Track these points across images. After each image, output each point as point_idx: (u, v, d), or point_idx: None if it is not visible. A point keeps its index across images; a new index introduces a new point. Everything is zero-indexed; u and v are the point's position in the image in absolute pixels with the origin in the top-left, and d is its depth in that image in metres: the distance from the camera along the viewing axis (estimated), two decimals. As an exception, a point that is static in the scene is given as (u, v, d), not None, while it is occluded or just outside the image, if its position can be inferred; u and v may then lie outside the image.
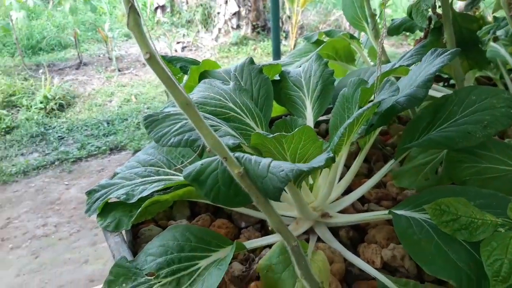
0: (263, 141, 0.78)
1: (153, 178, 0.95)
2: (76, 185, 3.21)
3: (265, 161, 0.62)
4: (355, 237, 0.97)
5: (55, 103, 4.34)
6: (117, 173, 1.03)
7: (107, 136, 3.88)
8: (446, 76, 1.60)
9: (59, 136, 3.89)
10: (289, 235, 0.63)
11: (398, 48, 6.50)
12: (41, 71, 5.12)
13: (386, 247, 0.90)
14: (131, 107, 4.45)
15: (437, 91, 1.35)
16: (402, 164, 1.13)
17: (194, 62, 1.16)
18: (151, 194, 0.90)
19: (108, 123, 4.10)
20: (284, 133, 0.75)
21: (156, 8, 7.22)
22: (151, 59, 0.60)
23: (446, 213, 0.70)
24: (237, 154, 0.64)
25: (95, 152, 3.62)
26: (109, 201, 0.94)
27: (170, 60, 1.17)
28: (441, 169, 1.06)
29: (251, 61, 1.11)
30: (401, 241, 0.74)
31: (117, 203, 0.93)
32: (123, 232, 0.94)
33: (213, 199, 0.65)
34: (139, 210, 0.87)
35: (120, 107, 4.46)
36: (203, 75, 1.09)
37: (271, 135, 0.75)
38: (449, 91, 1.33)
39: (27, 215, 2.91)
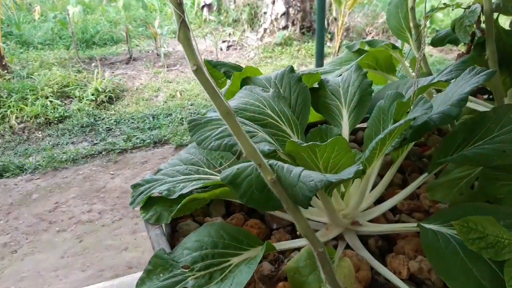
0: (297, 149, 0.82)
1: (193, 176, 1.02)
2: (121, 175, 3.36)
3: (296, 170, 0.66)
4: (384, 246, 0.99)
5: (105, 96, 4.54)
6: (161, 170, 1.10)
7: (151, 129, 4.03)
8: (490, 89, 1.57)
9: (107, 128, 4.08)
10: (315, 241, 0.67)
11: (447, 54, 6.31)
12: (93, 64, 5.37)
13: (414, 258, 0.92)
14: (175, 103, 4.59)
15: (479, 105, 1.34)
16: (437, 177, 1.14)
17: (237, 68, 1.21)
18: (191, 192, 0.97)
19: (153, 117, 4.25)
20: (317, 142, 0.78)
21: (203, 6, 7.37)
22: (198, 71, 0.65)
23: (473, 231, 0.71)
24: (270, 161, 0.69)
25: (139, 145, 3.77)
26: (152, 196, 1.01)
27: (215, 65, 1.23)
28: (477, 184, 1.06)
29: (291, 70, 1.15)
30: (426, 254, 0.76)
31: (159, 197, 1.00)
32: (163, 225, 1.01)
33: (247, 201, 0.70)
34: (179, 206, 0.94)
35: (165, 102, 4.61)
36: (244, 81, 1.14)
37: (305, 144, 0.79)
38: (490, 106, 1.31)
39: (74, 200, 3.08)
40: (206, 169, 1.03)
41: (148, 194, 0.99)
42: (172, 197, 0.94)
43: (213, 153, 1.06)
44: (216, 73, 1.24)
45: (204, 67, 0.66)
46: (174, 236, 1.01)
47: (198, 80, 0.67)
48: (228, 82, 1.18)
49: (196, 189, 0.97)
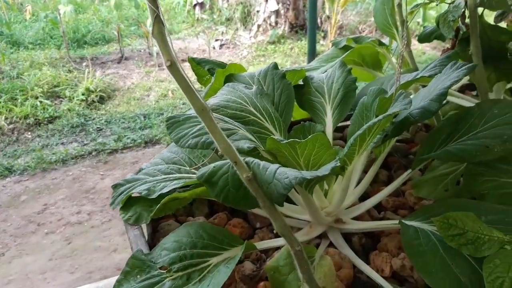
0: (278, 146, 0.81)
1: (175, 175, 1.00)
2: (111, 175, 3.33)
3: (272, 167, 0.65)
4: (368, 244, 0.98)
5: (96, 96, 4.51)
6: (142, 169, 1.08)
7: (143, 129, 4.00)
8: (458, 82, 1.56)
9: (97, 128, 4.05)
10: (292, 239, 0.65)
11: (439, 51, 6.32)
12: (84, 64, 5.33)
13: (397, 256, 0.90)
14: (167, 102, 4.56)
15: (466, 101, 1.33)
16: (423, 174, 1.13)
17: (221, 65, 1.20)
18: (171, 191, 0.95)
19: (144, 117, 4.23)
20: (297, 139, 0.77)
21: (195, 5, 7.34)
22: (172, 67, 0.64)
23: (453, 227, 0.70)
24: (247, 159, 0.68)
25: (130, 145, 3.75)
26: (132, 196, 0.99)
27: (199, 63, 1.21)
28: (462, 181, 1.05)
29: (275, 66, 1.14)
30: (405, 251, 0.75)
31: (139, 197, 0.98)
32: (145, 225, 0.99)
33: (223, 200, 0.69)
34: (158, 205, 0.92)
35: (157, 101, 4.59)
36: (228, 78, 1.13)
37: (285, 141, 0.77)
38: (477, 101, 1.30)
39: (63, 202, 3.05)
40: (188, 168, 1.02)
41: (128, 194, 0.97)
42: (152, 197, 0.92)
43: (195, 151, 1.05)
44: (201, 71, 1.22)
45: (179, 63, 0.65)
46: (155, 237, 0.99)
47: (172, 76, 0.65)
48: (213, 79, 1.16)
49: (177, 188, 0.95)
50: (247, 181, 0.65)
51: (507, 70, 1.13)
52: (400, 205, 1.10)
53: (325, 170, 0.65)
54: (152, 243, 0.98)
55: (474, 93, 1.61)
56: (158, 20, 0.64)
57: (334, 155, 0.80)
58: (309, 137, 0.77)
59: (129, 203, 0.98)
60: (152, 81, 5.08)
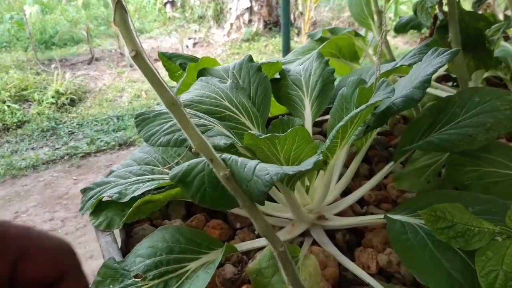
0: (256, 141, 0.77)
1: (148, 177, 0.94)
2: (84, 180, 3.23)
3: (251, 163, 0.60)
4: (352, 240, 0.95)
5: (67, 98, 4.37)
6: (113, 171, 1.02)
7: (116, 131, 3.89)
8: (455, 75, 1.56)
9: (69, 131, 3.92)
10: (275, 240, 0.61)
11: (412, 45, 6.40)
12: (53, 65, 5.16)
13: (382, 251, 0.87)
14: (141, 102, 4.46)
15: (444, 91, 1.32)
16: (404, 166, 1.11)
17: (194, 59, 1.15)
18: (144, 193, 0.89)
19: (118, 119, 4.12)
20: (276, 134, 0.73)
21: (166, 3, 7.22)
22: (137, 57, 0.59)
23: (441, 220, 0.68)
24: (224, 155, 0.63)
25: (104, 147, 3.64)
26: (102, 200, 0.93)
27: (170, 57, 1.16)
28: (444, 171, 1.03)
29: (250, 59, 1.09)
30: (393, 246, 0.71)
31: (110, 202, 0.92)
32: (118, 231, 0.93)
33: (199, 201, 0.64)
34: (130, 209, 0.86)
35: (130, 102, 4.48)
36: (201, 73, 1.08)
37: (264, 136, 0.73)
38: (455, 92, 1.29)
39: (35, 209, 2.93)
40: (162, 168, 0.96)
41: (98, 198, 0.91)
42: (123, 201, 0.86)
43: (169, 150, 0.99)
44: (172, 66, 1.17)
45: (144, 53, 0.59)
46: (129, 242, 0.93)
47: (138, 67, 0.60)
48: (185, 74, 1.10)
49: (150, 190, 0.90)
50: (225, 179, 0.60)
51: (485, 57, 1.12)
52: (383, 199, 1.07)
53: (307, 164, 0.61)
54: (126, 249, 0.92)
55: (450, 84, 1.61)
56: (120, 6, 0.58)
57: (315, 149, 0.76)
58: (289, 130, 0.73)
59: (99, 208, 0.92)
60: (125, 82, 4.96)
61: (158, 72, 0.60)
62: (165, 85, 0.60)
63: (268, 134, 0.72)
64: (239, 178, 0.59)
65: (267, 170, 0.57)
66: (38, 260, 0.39)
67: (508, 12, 1.33)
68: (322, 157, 0.64)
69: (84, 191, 0.97)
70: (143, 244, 0.78)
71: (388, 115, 0.77)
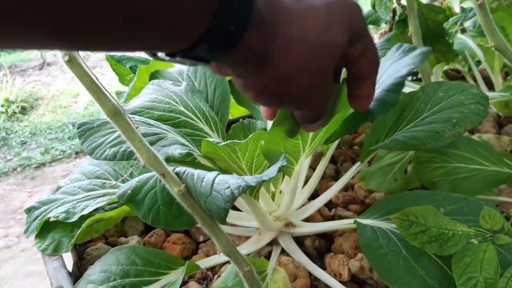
0: (215, 149, 0.71)
1: (98, 192, 0.86)
2: (39, 192, 3.05)
3: (209, 176, 0.54)
4: (321, 246, 0.90)
5: (17, 106, 4.14)
6: (60, 187, 0.93)
7: (72, 139, 3.71)
8: (415, 70, 1.55)
9: (21, 141, 3.70)
10: (240, 259, 0.55)
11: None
12: (2, 72, 4.87)
13: (354, 257, 0.84)
14: (97, 107, 4.27)
15: (406, 86, 1.30)
16: (370, 165, 1.08)
17: (145, 61, 1.07)
18: (96, 211, 0.81)
19: (73, 126, 3.93)
20: (237, 140, 0.67)
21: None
22: (71, 62, 0.51)
23: (414, 224, 0.64)
24: (178, 169, 0.56)
25: (59, 157, 3.46)
26: (48, 220, 0.84)
27: (119, 60, 1.08)
28: (410, 169, 1.01)
29: (206, 60, 1.03)
30: (365, 255, 0.67)
31: (57, 222, 0.83)
32: (70, 252, 0.85)
33: (153, 221, 0.57)
34: (80, 229, 0.78)
35: (86, 108, 4.29)
36: (153, 76, 1.00)
37: (223, 143, 0.68)
38: (417, 87, 1.28)
39: (-13, 225, 2.75)
40: (114, 182, 0.88)
41: (44, 218, 0.82)
42: (71, 220, 0.78)
43: (121, 162, 0.91)
44: (122, 70, 1.09)
45: (79, 57, 0.52)
46: (81, 265, 0.85)
47: (73, 73, 0.53)
48: (135, 78, 1.03)
49: (101, 207, 0.82)
50: (180, 196, 0.54)
51: (445, 51, 1.10)
52: (351, 200, 1.04)
53: (271, 172, 0.55)
54: (79, 273, 0.84)
55: (410, 78, 1.60)
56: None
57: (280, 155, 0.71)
58: (250, 136, 0.67)
59: (45, 229, 0.83)
60: (79, 87, 4.75)
61: (96, 78, 0.53)
62: (105, 92, 0.53)
63: (227, 141, 0.67)
64: (196, 194, 0.53)
65: (227, 183, 0.52)
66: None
67: (464, 5, 1.33)
68: (286, 163, 0.59)
69: (29, 211, 0.88)
70: (95, 269, 0.70)
71: (361, 121, 0.72)
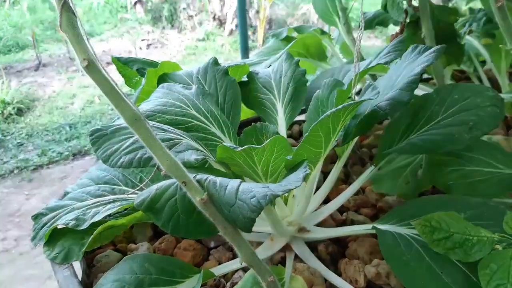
0: (231, 154, 0.69)
1: (108, 198, 0.84)
2: (37, 194, 3.02)
3: (232, 184, 0.53)
4: (335, 251, 0.89)
5: (13, 108, 4.09)
6: (68, 193, 0.91)
7: (69, 140, 3.68)
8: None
9: (18, 143, 3.66)
10: (263, 269, 0.54)
11: (365, 41, 6.50)
12: (-3, 74, 4.83)
13: (369, 263, 0.82)
14: (94, 109, 4.24)
15: (418, 89, 1.29)
16: (380, 168, 1.07)
17: (153, 64, 1.05)
18: (106, 217, 0.79)
19: (70, 127, 3.90)
20: (254, 145, 0.66)
21: (135, 3, 6.93)
22: (90, 67, 0.49)
23: (437, 230, 0.62)
24: (199, 176, 0.55)
25: (57, 158, 3.42)
26: (57, 228, 0.82)
27: (125, 62, 1.05)
28: (421, 171, 0.99)
29: (215, 62, 1.01)
30: (388, 263, 0.66)
31: (66, 229, 0.81)
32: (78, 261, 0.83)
33: (173, 230, 0.56)
34: (91, 237, 0.76)
35: (82, 109, 4.25)
36: (162, 79, 0.98)
37: (240, 148, 0.66)
38: (428, 88, 1.27)
39: (-16, 229, 2.71)
40: (124, 188, 0.86)
41: (53, 226, 0.80)
42: (81, 228, 0.76)
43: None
44: (128, 72, 1.07)
45: (98, 62, 0.50)
46: (91, 272, 0.83)
47: (92, 79, 0.51)
48: (143, 81, 1.01)
49: (112, 214, 0.80)
50: (202, 204, 0.52)
51: (457, 52, 1.09)
52: (362, 204, 1.02)
53: (296, 180, 0.53)
54: (88, 281, 0.82)
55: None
56: (66, 9, 0.49)
57: (296, 160, 0.70)
58: (267, 141, 0.65)
59: (54, 237, 0.80)
60: (76, 88, 4.71)
61: (116, 84, 0.51)
62: (125, 98, 0.51)
63: (244, 147, 0.65)
64: (219, 202, 0.52)
65: (252, 191, 0.50)
66: None
67: (472, 5, 1.32)
68: (309, 170, 0.57)
69: (36, 217, 0.86)
70: (108, 278, 0.69)
71: (374, 120, 0.71)
